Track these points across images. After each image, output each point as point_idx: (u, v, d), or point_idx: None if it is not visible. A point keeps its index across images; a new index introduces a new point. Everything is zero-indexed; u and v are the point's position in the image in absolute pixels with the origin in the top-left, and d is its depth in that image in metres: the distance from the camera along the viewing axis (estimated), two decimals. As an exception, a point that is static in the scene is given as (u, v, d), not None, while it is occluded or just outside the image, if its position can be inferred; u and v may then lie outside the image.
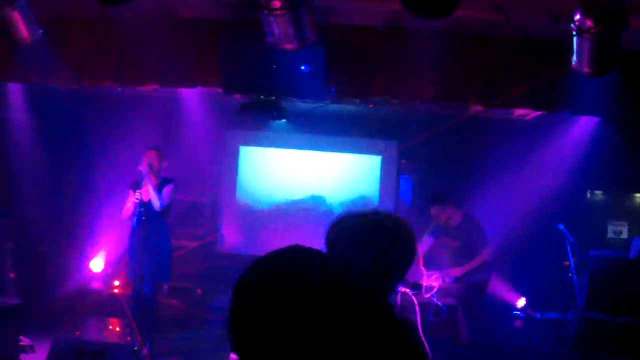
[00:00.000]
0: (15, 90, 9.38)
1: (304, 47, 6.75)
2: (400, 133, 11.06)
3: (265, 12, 6.15)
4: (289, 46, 6.65)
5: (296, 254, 1.60)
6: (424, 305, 7.32)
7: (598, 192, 11.14)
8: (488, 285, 8.61)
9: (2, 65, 7.91)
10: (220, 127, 11.46)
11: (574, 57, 6.40)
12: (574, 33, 6.07)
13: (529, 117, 9.98)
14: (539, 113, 9.33)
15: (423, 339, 6.74)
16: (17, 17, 6.65)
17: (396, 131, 11.19)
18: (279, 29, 6.40)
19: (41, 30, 7.09)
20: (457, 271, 8.20)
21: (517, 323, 10.49)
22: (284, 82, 7.43)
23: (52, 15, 7.43)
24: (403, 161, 11.75)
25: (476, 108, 9.10)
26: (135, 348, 6.67)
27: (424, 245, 8.57)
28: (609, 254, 8.47)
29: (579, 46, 6.25)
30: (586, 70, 6.41)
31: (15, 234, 9.44)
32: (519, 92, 7.45)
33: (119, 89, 9.03)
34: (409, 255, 2.51)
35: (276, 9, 6.09)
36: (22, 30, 6.81)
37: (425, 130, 9.85)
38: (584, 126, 9.29)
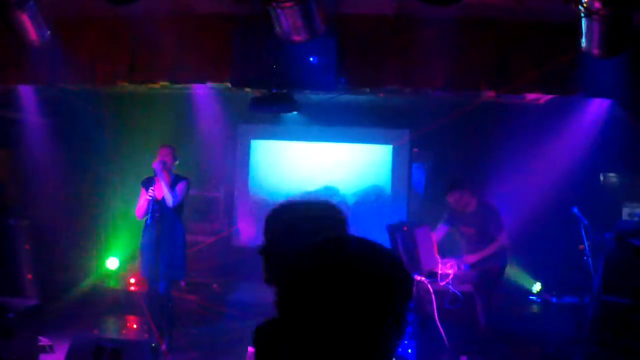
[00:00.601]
0: (27, 93, 9.40)
1: (314, 39, 6.73)
2: (412, 121, 11.05)
3: (274, 4, 6.14)
4: (298, 38, 6.63)
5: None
6: (440, 293, 7.35)
7: (612, 174, 11.10)
8: (504, 270, 8.60)
9: (13, 68, 7.93)
10: (233, 121, 11.50)
11: (583, 39, 6.35)
12: (583, 15, 6.04)
13: (541, 102, 9.94)
14: (551, 97, 9.30)
15: (439, 326, 6.79)
16: (25, 19, 6.65)
17: (408, 120, 11.18)
18: (288, 22, 6.38)
19: (50, 32, 7.08)
20: (473, 257, 8.19)
21: (534, 308, 10.49)
22: (295, 74, 7.42)
23: (61, 16, 7.44)
24: (415, 150, 11.74)
25: (488, 94, 9.07)
26: (154, 345, 6.69)
27: (438, 233, 8.57)
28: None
29: (588, 28, 6.20)
30: (595, 52, 6.36)
31: (31, 236, 9.49)
32: (531, 77, 7.43)
33: (131, 87, 9.02)
34: None
35: (285, 2, 6.08)
36: (31, 32, 6.81)
37: (437, 118, 9.85)
38: (596, 109, 9.24)
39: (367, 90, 9.43)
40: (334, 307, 1.49)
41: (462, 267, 8.04)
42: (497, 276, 8.45)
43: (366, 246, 1.62)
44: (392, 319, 1.54)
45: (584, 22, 6.16)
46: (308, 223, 2.51)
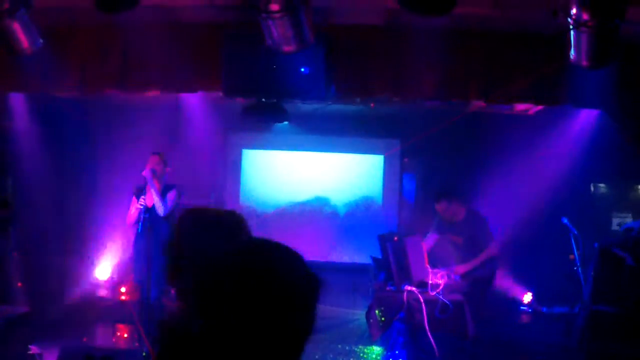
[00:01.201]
0: (18, 100, 9.39)
1: (304, 49, 6.75)
2: (403, 131, 11.08)
3: (264, 15, 6.15)
4: (288, 48, 6.65)
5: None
6: (430, 303, 7.34)
7: (602, 184, 11.15)
8: (494, 279, 8.63)
9: (3, 75, 7.92)
10: (223, 130, 11.49)
11: (572, 51, 6.39)
12: (571, 27, 6.07)
13: (530, 112, 9.99)
14: (540, 107, 9.35)
15: (430, 336, 6.80)
16: (17, 28, 6.65)
17: (398, 130, 11.21)
18: (278, 32, 6.39)
19: (42, 40, 7.08)
20: (463, 268, 8.21)
21: (524, 318, 10.50)
22: (285, 84, 7.43)
23: (52, 24, 7.43)
24: (406, 159, 11.76)
25: (478, 104, 9.12)
26: (144, 353, 6.68)
27: (428, 241, 8.59)
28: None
29: (576, 40, 6.24)
30: (585, 63, 6.40)
31: (21, 243, 9.47)
32: (520, 87, 7.47)
33: (122, 96, 9.02)
34: None
35: (274, 12, 6.09)
36: (23, 40, 6.80)
37: (427, 127, 9.88)
38: (585, 119, 9.29)
39: (358, 100, 9.46)
40: (242, 308, 1.53)
41: (453, 277, 8.05)
42: (486, 285, 8.48)
43: (279, 252, 1.68)
44: (295, 326, 1.59)
45: (572, 33, 6.20)
46: (214, 228, 2.69)
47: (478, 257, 8.24)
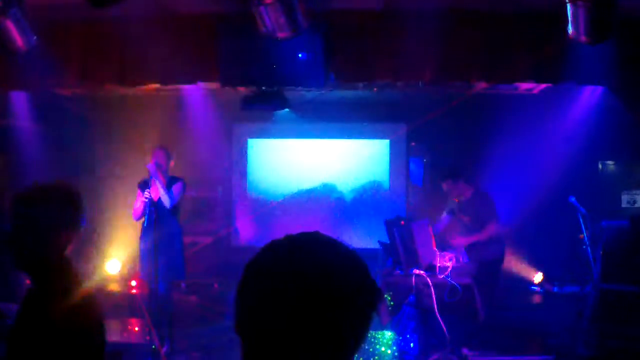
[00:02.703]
0: (18, 99, 9.40)
1: (299, 35, 6.71)
2: (408, 115, 11.05)
3: (256, 2, 6.15)
4: (282, 34, 6.60)
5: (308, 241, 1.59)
6: (439, 286, 7.33)
7: (609, 162, 11.06)
8: (502, 262, 8.62)
9: (3, 74, 7.93)
10: (227, 121, 11.50)
11: (570, 26, 6.32)
12: (567, 1, 6.02)
13: (535, 91, 9.92)
14: (544, 86, 9.28)
15: (440, 319, 6.77)
16: (10, 26, 6.64)
17: (404, 113, 11.17)
18: (271, 19, 6.37)
19: (36, 37, 7.07)
20: (461, 240, 8.38)
21: (535, 298, 10.48)
22: (283, 71, 7.41)
23: (47, 21, 7.43)
24: (412, 143, 11.71)
25: (481, 85, 9.07)
26: (154, 347, 6.69)
27: (441, 223, 8.77)
28: (621, 224, 8.40)
29: (574, 14, 6.18)
30: (583, 38, 6.32)
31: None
32: (522, 66, 7.42)
33: (121, 90, 9.01)
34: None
35: (266, -1, 6.09)
36: (17, 38, 6.79)
37: (433, 110, 9.84)
38: (590, 96, 9.22)
39: (359, 85, 9.41)
40: (288, 306, 1.45)
41: (461, 259, 8.03)
42: (496, 268, 8.49)
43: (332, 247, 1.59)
44: (350, 326, 1.50)
45: (569, 8, 6.13)
46: (45, 216, 2.73)
47: (477, 233, 8.35)
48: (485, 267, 8.15)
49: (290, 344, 1.45)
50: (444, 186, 8.70)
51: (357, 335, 1.51)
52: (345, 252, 1.58)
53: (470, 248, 8.24)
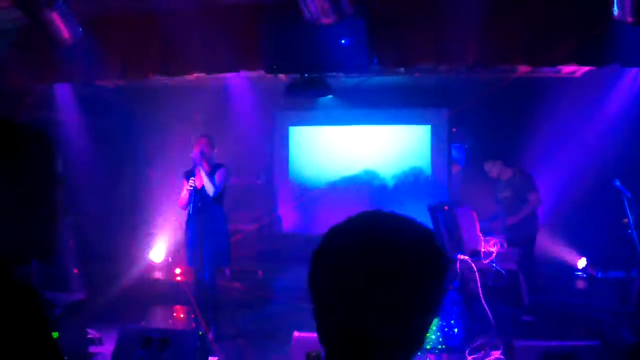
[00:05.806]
0: (63, 92, 9.51)
1: (342, 21, 6.70)
2: (450, 100, 10.99)
3: (300, -11, 6.15)
4: (326, 21, 6.61)
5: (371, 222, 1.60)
6: (483, 272, 7.30)
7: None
8: (536, 237, 8.91)
9: (47, 67, 8.04)
10: (269, 109, 11.54)
11: (615, 7, 6.23)
12: (614, -18, 5.94)
13: (578, 74, 9.80)
14: (586, 69, 9.17)
15: (485, 305, 6.75)
16: (56, 18, 6.73)
17: (445, 98, 11.09)
18: (315, 5, 6.38)
19: (81, 29, 7.16)
20: (512, 219, 8.74)
21: (579, 284, 10.40)
22: (326, 58, 7.39)
23: (91, 14, 7.51)
24: (454, 129, 11.65)
25: (524, 69, 8.99)
26: (201, 333, 6.75)
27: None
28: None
29: (620, -6, 6.10)
30: (629, 19, 6.23)
31: (76, 232, 9.61)
32: (565, 49, 7.32)
33: (165, 81, 9.08)
34: None
35: (311, -15, 6.08)
36: (63, 30, 6.89)
37: (475, 95, 9.78)
38: (635, 78, 9.10)
39: (402, 70, 9.36)
40: (364, 281, 1.47)
41: (505, 245, 8.00)
42: (530, 246, 8.76)
43: (402, 221, 1.60)
44: (425, 296, 1.52)
45: (615, -11, 6.06)
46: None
47: (522, 209, 8.70)
48: (523, 246, 8.35)
49: (372, 321, 1.47)
50: (485, 167, 9.13)
51: (435, 304, 1.54)
52: (412, 224, 1.60)
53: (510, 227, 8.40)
